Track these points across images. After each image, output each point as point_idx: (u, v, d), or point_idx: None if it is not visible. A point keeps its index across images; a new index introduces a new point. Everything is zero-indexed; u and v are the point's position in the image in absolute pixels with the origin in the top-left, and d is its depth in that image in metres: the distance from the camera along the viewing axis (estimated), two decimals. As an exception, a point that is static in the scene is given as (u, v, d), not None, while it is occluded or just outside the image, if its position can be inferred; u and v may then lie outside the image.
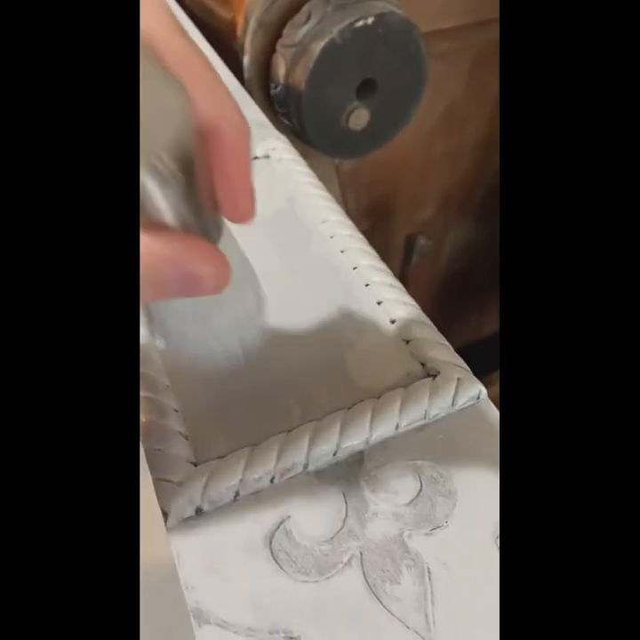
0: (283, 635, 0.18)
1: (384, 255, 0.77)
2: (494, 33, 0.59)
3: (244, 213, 0.18)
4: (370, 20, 0.41)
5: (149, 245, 0.15)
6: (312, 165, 0.53)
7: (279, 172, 0.36)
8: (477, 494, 0.21)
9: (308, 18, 0.41)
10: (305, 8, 0.42)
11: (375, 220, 0.68)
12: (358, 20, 0.40)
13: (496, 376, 0.90)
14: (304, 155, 0.50)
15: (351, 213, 0.66)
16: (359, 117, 0.44)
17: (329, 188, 0.59)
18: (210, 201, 0.17)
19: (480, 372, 0.95)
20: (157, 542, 0.20)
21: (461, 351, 0.91)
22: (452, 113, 0.63)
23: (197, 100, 0.16)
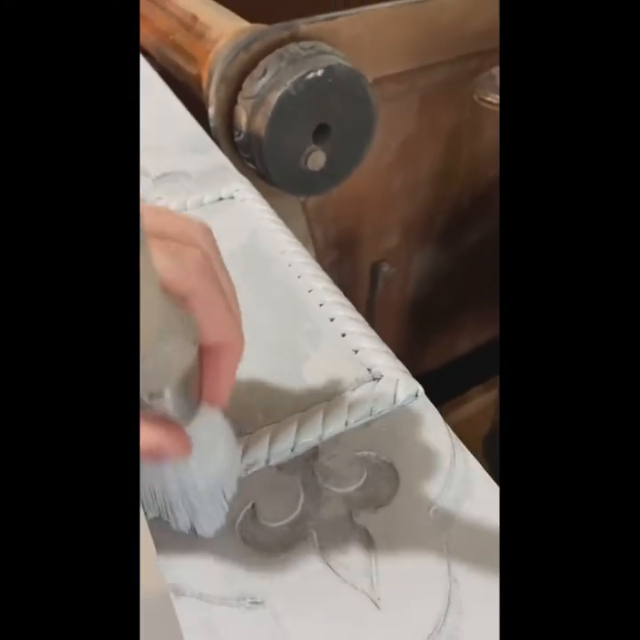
0: (249, 600, 0.21)
1: (353, 283, 0.81)
2: (438, 75, 0.64)
3: (221, 404, 0.22)
4: (320, 72, 0.45)
5: None
6: (279, 204, 0.57)
7: (243, 210, 0.40)
8: (416, 476, 0.25)
9: (265, 72, 0.46)
10: (261, 63, 0.47)
11: (343, 251, 0.73)
12: (309, 72, 0.45)
13: (472, 393, 0.94)
14: (271, 194, 0.54)
15: (319, 246, 0.70)
16: (316, 159, 0.49)
17: (296, 224, 0.63)
18: (196, 392, 0.20)
19: (457, 390, 1.00)
20: (151, 574, 0.22)
21: (437, 371, 0.97)
22: (406, 149, 0.68)
23: (203, 323, 0.19)
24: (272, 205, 0.41)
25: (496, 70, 0.47)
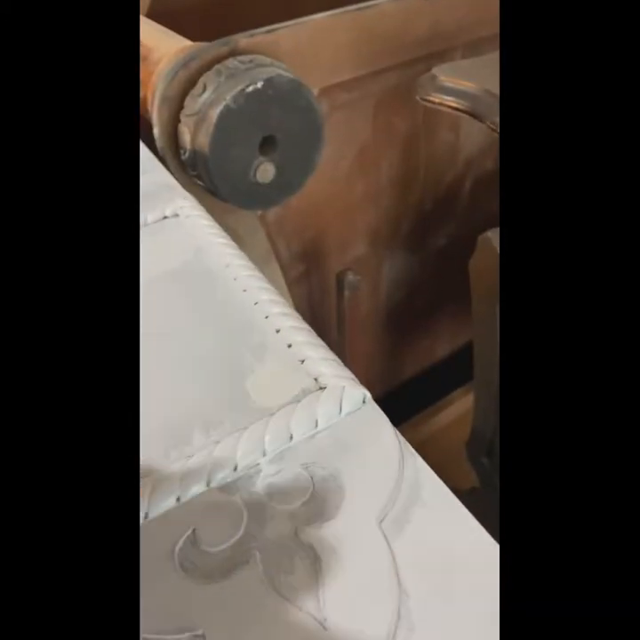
0: (188, 633, 0.20)
1: (322, 295, 0.80)
2: (389, 80, 0.64)
3: None
4: (259, 85, 0.45)
5: None
6: (236, 220, 0.57)
7: (187, 227, 0.39)
8: (363, 487, 0.24)
9: (205, 89, 0.46)
10: (201, 80, 0.46)
11: (309, 264, 0.72)
12: (249, 85, 0.45)
13: (453, 397, 0.93)
14: (227, 212, 0.54)
15: (284, 260, 0.70)
16: (265, 171, 0.48)
17: (256, 239, 0.63)
18: None
19: (438, 394, 0.99)
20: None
21: (417, 377, 0.95)
22: (364, 156, 0.68)
23: None
24: (229, 223, 0.41)
25: (436, 70, 0.47)
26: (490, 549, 0.22)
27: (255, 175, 0.48)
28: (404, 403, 0.89)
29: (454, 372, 0.93)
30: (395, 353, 0.89)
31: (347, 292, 0.62)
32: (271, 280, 0.68)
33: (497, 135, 0.47)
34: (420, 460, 0.25)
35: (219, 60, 0.47)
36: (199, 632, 0.20)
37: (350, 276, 0.61)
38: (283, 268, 0.68)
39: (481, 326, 0.57)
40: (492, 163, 0.78)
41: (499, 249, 0.48)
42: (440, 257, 0.84)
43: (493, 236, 0.49)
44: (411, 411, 0.91)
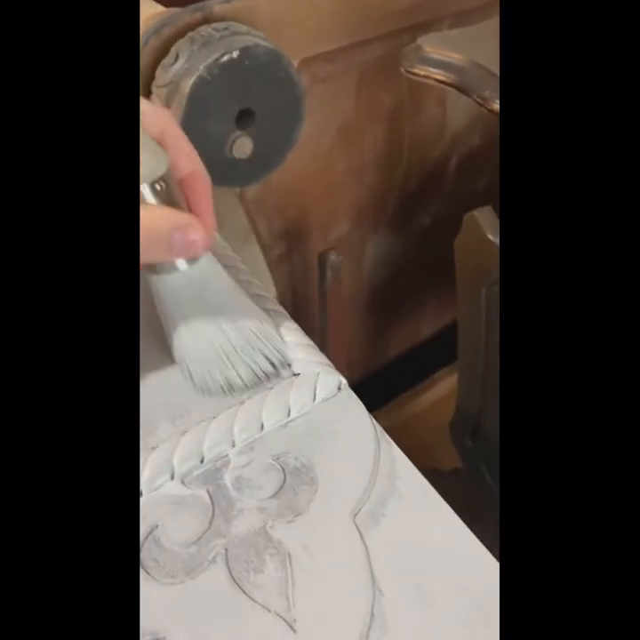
0: (149, 637, 0.19)
1: (304, 275, 0.79)
2: (373, 52, 0.62)
3: (210, 224, 0.26)
4: (235, 54, 0.43)
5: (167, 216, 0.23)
6: (214, 198, 0.55)
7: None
8: (337, 478, 0.23)
9: (177, 58, 0.43)
10: (173, 49, 0.44)
11: (291, 243, 0.70)
12: (224, 54, 0.43)
13: (437, 377, 0.92)
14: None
15: (264, 239, 0.68)
16: (242, 146, 0.46)
17: (235, 217, 0.61)
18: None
19: (421, 375, 0.98)
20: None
21: (401, 357, 0.94)
22: (346, 131, 0.66)
23: (176, 158, 0.25)
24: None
25: (422, 40, 0.45)
26: (470, 545, 0.21)
27: (231, 150, 0.46)
28: (387, 383, 0.88)
29: (438, 352, 0.93)
30: (378, 333, 0.88)
31: (329, 273, 0.61)
32: (250, 260, 0.67)
33: (485, 110, 0.45)
34: (396, 449, 0.24)
35: (192, 26, 0.45)
36: (160, 636, 0.19)
37: (333, 257, 0.60)
38: (263, 247, 0.66)
39: (466, 306, 0.56)
40: (478, 139, 0.77)
41: (485, 228, 0.47)
42: (425, 236, 0.82)
43: (480, 215, 0.48)
44: (394, 391, 0.90)
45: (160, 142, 0.24)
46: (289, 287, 0.74)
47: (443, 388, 0.85)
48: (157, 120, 0.25)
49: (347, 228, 0.74)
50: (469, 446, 0.68)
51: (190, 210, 0.25)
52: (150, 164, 0.23)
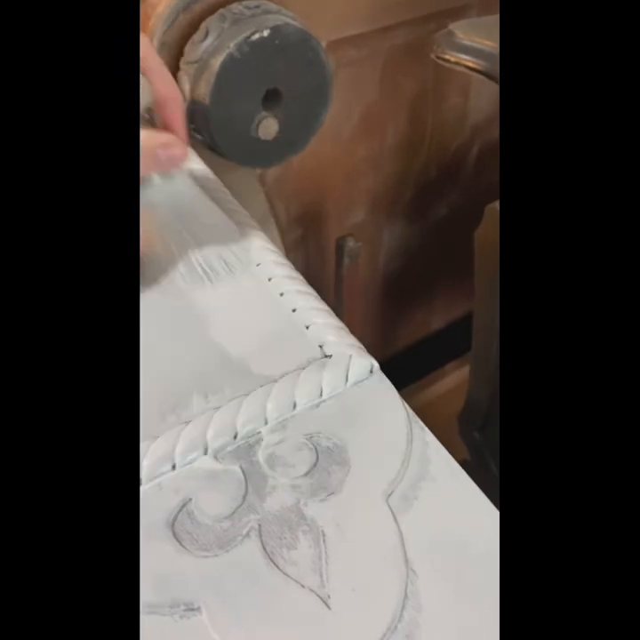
0: (183, 607, 0.19)
1: (320, 260, 0.78)
2: (398, 38, 0.61)
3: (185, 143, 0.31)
4: (265, 33, 0.42)
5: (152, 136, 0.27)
6: (234, 179, 0.54)
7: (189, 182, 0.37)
8: (369, 459, 0.23)
9: (207, 35, 0.43)
10: (203, 25, 0.43)
11: (307, 227, 0.70)
12: (254, 33, 0.42)
13: (447, 369, 0.92)
14: (225, 169, 0.51)
15: (282, 221, 0.68)
16: (268, 127, 0.46)
17: (255, 200, 0.60)
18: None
19: (431, 366, 0.97)
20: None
21: (411, 347, 0.93)
22: (369, 118, 0.65)
23: (155, 83, 0.30)
24: (227, 181, 0.39)
25: (454, 26, 0.44)
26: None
27: (257, 130, 0.46)
28: (396, 373, 0.88)
29: (449, 344, 0.92)
30: (390, 322, 0.88)
31: (346, 259, 0.60)
32: (269, 242, 0.66)
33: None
34: (429, 434, 0.24)
35: (223, 3, 0.44)
36: (195, 606, 0.19)
37: (351, 243, 0.59)
38: (280, 231, 0.66)
39: (483, 298, 0.56)
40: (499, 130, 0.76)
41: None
42: (441, 227, 0.82)
43: (501, 206, 0.48)
44: (403, 381, 0.90)
45: (142, 69, 0.29)
46: (304, 272, 0.74)
47: (451, 380, 0.86)
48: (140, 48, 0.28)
49: (363, 215, 0.74)
50: (478, 439, 0.68)
51: (166, 128, 0.31)
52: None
